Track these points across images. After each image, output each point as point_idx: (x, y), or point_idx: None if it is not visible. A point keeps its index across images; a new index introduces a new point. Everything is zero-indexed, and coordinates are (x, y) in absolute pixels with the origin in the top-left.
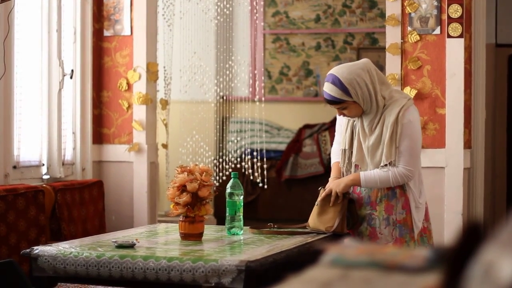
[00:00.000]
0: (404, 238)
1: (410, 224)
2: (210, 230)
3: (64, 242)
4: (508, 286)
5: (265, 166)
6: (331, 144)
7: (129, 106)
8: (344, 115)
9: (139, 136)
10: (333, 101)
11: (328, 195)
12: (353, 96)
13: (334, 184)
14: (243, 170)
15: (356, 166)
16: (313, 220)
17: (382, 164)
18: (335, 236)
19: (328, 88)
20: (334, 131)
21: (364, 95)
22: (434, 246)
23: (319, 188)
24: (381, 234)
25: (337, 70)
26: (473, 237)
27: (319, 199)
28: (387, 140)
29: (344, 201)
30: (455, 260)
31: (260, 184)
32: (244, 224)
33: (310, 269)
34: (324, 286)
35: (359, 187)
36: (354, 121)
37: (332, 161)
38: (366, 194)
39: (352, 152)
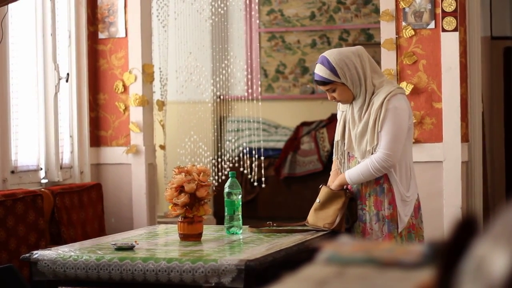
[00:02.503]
0: (393, 233)
1: (397, 219)
2: (209, 230)
3: (64, 245)
4: (499, 280)
5: (262, 164)
6: (329, 141)
7: (126, 108)
8: (334, 99)
9: (137, 138)
10: (321, 82)
11: (330, 193)
12: (341, 77)
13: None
14: (241, 169)
15: (349, 155)
16: (311, 216)
17: (367, 150)
18: (333, 233)
19: (317, 69)
20: (332, 128)
21: (352, 78)
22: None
23: (320, 186)
24: (372, 230)
25: (328, 52)
26: (466, 231)
27: (320, 196)
28: (370, 125)
29: (345, 200)
30: (449, 254)
31: (256, 184)
32: (244, 223)
33: (306, 267)
34: (321, 284)
35: None
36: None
37: (333, 168)
38: (356, 189)
39: (344, 142)
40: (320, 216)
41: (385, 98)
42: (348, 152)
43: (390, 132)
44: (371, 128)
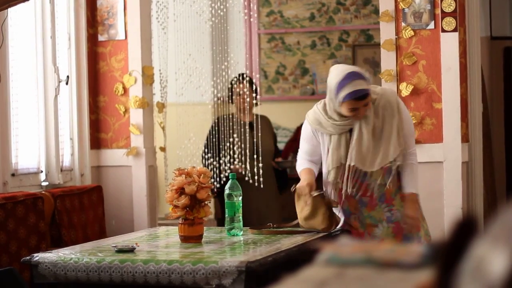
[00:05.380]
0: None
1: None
2: (210, 232)
3: (64, 248)
4: (498, 280)
5: (260, 165)
6: None
7: (126, 110)
8: (361, 114)
9: (137, 140)
10: (364, 95)
11: (314, 200)
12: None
13: None
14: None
15: (353, 169)
16: (304, 224)
17: (393, 156)
18: (334, 234)
19: (356, 85)
20: None
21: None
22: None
23: (292, 189)
24: (405, 225)
25: (350, 67)
26: (466, 231)
27: (307, 201)
28: (394, 131)
29: (325, 201)
30: (448, 255)
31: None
32: (244, 225)
33: (306, 268)
34: (320, 285)
35: (371, 190)
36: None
37: (301, 167)
38: (380, 193)
39: (349, 165)
40: (313, 224)
41: (397, 104)
42: (356, 170)
43: (411, 131)
44: (395, 133)
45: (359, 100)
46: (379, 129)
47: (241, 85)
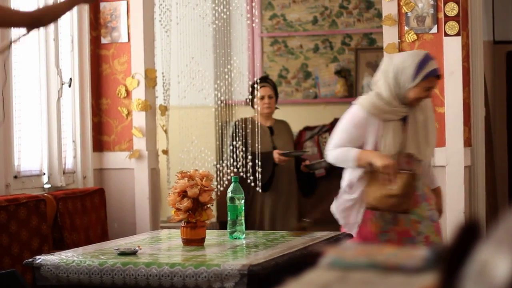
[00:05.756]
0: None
1: None
2: (212, 235)
3: (67, 250)
4: (501, 285)
5: (259, 169)
6: None
7: (129, 113)
8: (430, 96)
9: (139, 143)
10: (440, 75)
11: (410, 176)
12: None
13: None
14: (242, 174)
15: (409, 157)
16: (385, 201)
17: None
18: (336, 239)
19: (435, 64)
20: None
21: None
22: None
23: (367, 168)
24: (440, 224)
25: (416, 50)
26: (469, 235)
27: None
28: (435, 124)
29: (413, 181)
30: (451, 259)
31: (258, 189)
32: (247, 228)
33: (309, 272)
34: None
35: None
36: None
37: (353, 150)
38: (422, 192)
39: (407, 151)
40: (395, 202)
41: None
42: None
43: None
44: (434, 127)
45: (438, 79)
46: (425, 120)
47: (263, 89)
